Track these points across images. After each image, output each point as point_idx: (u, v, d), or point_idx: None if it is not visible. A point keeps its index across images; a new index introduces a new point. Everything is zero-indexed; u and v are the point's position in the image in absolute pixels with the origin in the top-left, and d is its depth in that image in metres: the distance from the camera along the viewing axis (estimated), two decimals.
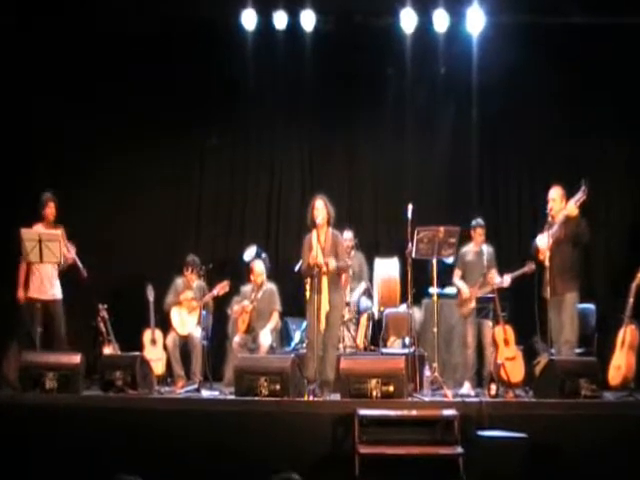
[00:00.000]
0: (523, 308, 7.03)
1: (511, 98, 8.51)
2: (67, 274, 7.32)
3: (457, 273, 7.27)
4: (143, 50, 8.48)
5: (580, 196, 6.62)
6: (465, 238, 7.30)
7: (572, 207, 6.65)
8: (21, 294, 7.12)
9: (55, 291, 7.16)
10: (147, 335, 7.75)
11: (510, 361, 6.78)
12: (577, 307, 6.76)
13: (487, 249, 7.22)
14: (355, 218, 8.79)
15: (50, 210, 7.19)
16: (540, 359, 6.79)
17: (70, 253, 7.12)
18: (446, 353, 7.62)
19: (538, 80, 8.43)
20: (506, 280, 6.97)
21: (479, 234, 7.25)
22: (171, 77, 8.68)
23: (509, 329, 6.90)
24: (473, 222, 7.26)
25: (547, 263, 6.59)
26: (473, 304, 7.05)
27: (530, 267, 6.87)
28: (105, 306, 7.91)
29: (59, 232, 7.04)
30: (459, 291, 7.18)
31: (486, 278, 7.02)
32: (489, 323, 7.02)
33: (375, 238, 8.84)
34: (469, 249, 7.27)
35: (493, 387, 6.57)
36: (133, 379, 6.34)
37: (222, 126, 8.94)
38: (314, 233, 6.63)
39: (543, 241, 6.74)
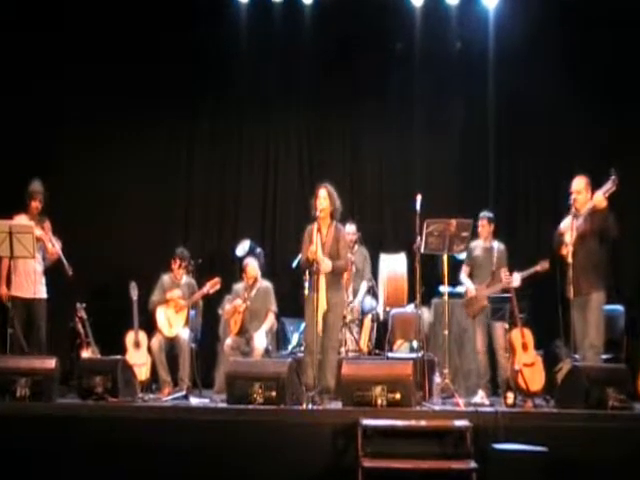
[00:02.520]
0: (544, 309, 7.02)
1: (530, 77, 8.49)
2: (47, 271, 7.32)
3: (465, 269, 7.27)
4: (125, 29, 8.49)
5: (609, 187, 6.51)
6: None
7: (600, 198, 6.54)
8: (3, 291, 7.08)
9: (38, 289, 7.12)
10: (130, 337, 7.75)
11: (529, 367, 6.75)
12: (604, 308, 6.69)
13: (498, 246, 7.19)
14: (358, 210, 8.84)
15: (35, 204, 7.16)
16: (562, 365, 6.78)
17: (55, 248, 7.13)
18: (458, 358, 7.64)
19: (561, 56, 8.46)
20: (515, 279, 6.91)
21: (483, 226, 7.21)
22: (157, 59, 8.70)
23: (527, 332, 6.86)
24: (480, 214, 7.24)
25: (570, 259, 6.53)
26: (481, 304, 7.02)
27: (543, 266, 6.84)
28: (83, 305, 7.90)
29: (32, 224, 6.99)
30: (465, 290, 7.20)
31: (494, 277, 6.99)
32: (502, 325, 6.98)
33: (380, 232, 8.94)
34: (478, 244, 7.25)
35: (510, 396, 6.52)
36: (114, 385, 6.31)
37: (212, 112, 8.99)
38: (315, 226, 6.58)
39: (566, 226, 6.63)
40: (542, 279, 6.95)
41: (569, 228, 6.61)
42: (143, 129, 8.90)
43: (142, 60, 8.66)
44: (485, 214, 7.28)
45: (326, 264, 6.49)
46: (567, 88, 8.42)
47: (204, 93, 8.92)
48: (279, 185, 9.11)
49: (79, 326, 7.78)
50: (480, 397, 6.92)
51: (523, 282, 6.94)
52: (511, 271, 7.02)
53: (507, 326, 6.95)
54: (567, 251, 6.61)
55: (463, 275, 7.25)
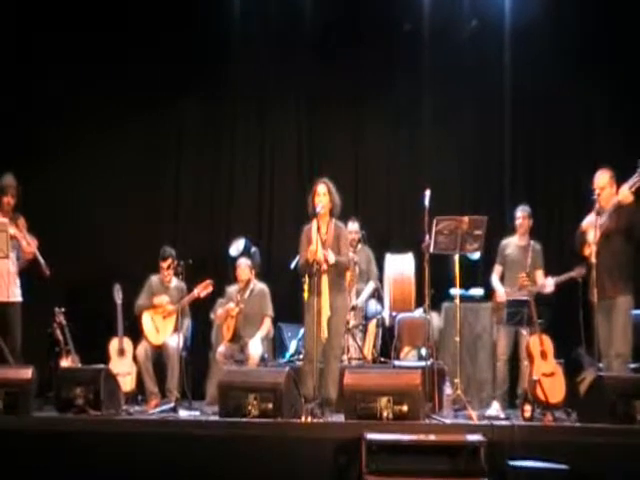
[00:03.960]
0: (564, 313, 6.99)
1: (550, 58, 8.48)
2: (22, 272, 7.28)
3: (496, 270, 7.27)
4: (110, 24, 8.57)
5: (635, 180, 6.45)
6: (493, 230, 7.29)
7: (626, 193, 6.47)
8: None
9: (12, 292, 7.08)
10: (114, 344, 7.73)
11: (548, 377, 6.73)
12: (631, 313, 6.63)
13: (534, 245, 7.20)
14: (362, 206, 8.82)
15: (7, 199, 7.10)
16: (585, 375, 6.77)
17: (31, 247, 7.10)
18: (471, 367, 7.64)
19: (583, 40, 8.45)
20: (549, 285, 6.94)
21: (523, 220, 7.20)
22: (145, 54, 8.72)
23: (547, 339, 6.85)
24: (518, 207, 7.24)
25: (594, 260, 6.45)
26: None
27: (580, 272, 6.83)
28: (62, 309, 7.85)
29: (6, 221, 6.94)
30: (494, 292, 7.19)
31: (520, 281, 6.95)
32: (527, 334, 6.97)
33: (386, 230, 8.93)
34: (511, 241, 7.26)
35: (528, 408, 6.47)
36: (96, 397, 6.27)
37: (202, 97, 8.98)
38: (314, 224, 6.58)
39: (590, 223, 6.58)
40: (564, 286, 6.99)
41: (592, 226, 6.55)
42: (129, 124, 8.90)
43: (129, 55, 8.69)
44: (524, 208, 7.29)
45: (330, 256, 6.46)
46: (588, 73, 8.42)
47: (195, 85, 8.92)
48: (276, 181, 9.13)
49: (57, 332, 7.72)
50: (495, 409, 6.90)
51: (557, 289, 6.95)
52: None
53: (525, 332, 6.95)
54: (590, 251, 6.54)
55: (494, 277, 7.25)
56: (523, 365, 6.99)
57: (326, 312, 6.44)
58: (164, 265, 7.65)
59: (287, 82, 9.02)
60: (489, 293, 7.50)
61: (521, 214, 7.28)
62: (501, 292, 7.11)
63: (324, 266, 6.44)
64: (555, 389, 6.68)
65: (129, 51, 8.69)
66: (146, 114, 8.88)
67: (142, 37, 8.67)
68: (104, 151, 8.80)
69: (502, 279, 7.23)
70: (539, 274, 7.12)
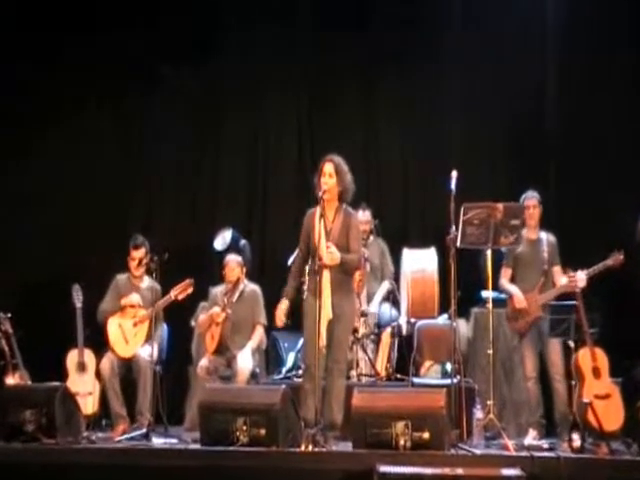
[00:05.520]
0: (622, 322, 7.06)
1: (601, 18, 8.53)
2: None
3: (505, 274, 7.25)
4: None
5: None
6: None
7: None
8: None
9: None
10: (72, 357, 7.72)
11: (602, 400, 6.71)
12: None
13: (547, 237, 7.24)
14: (374, 192, 8.88)
15: None
16: None
17: None
18: (506, 385, 7.67)
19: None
20: (580, 279, 6.88)
21: (534, 209, 7.19)
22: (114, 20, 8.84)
23: (600, 353, 6.83)
24: (526, 194, 7.25)
25: None
26: (533, 316, 7.03)
27: (616, 259, 6.86)
28: (8, 316, 7.87)
29: None
30: (510, 298, 7.20)
31: (547, 278, 7.00)
32: (559, 342, 7.00)
33: (403, 219, 9.00)
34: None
35: (576, 437, 6.47)
36: (51, 422, 6.28)
37: (192, 65, 9.06)
38: (318, 210, 6.56)
39: None
40: (618, 283, 7.00)
41: None
42: (89, 99, 9.08)
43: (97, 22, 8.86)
44: (533, 194, 7.24)
45: (332, 252, 6.40)
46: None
47: (173, 54, 9.01)
48: (272, 162, 9.24)
49: (2, 343, 7.73)
50: (532, 437, 6.91)
51: (590, 282, 6.91)
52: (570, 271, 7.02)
53: (572, 344, 6.93)
54: None
55: (504, 281, 7.22)
56: (556, 382, 6.98)
57: (326, 316, 6.41)
58: (135, 255, 7.64)
59: (288, 51, 9.11)
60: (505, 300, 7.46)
61: (530, 202, 7.19)
62: (520, 296, 7.05)
63: (326, 262, 6.40)
64: (611, 414, 6.67)
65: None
66: (113, 94, 9.07)
67: (129, 16, 8.86)
68: (61, 137, 8.95)
69: (512, 283, 7.20)
70: (557, 271, 7.07)
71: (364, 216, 7.90)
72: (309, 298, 6.49)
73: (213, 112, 9.18)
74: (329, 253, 6.37)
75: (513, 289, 7.12)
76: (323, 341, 6.36)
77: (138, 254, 7.62)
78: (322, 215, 6.51)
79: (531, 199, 7.18)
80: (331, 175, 6.53)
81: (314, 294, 6.43)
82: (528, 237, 7.18)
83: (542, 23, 8.73)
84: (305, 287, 6.54)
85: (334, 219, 6.57)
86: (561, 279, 6.99)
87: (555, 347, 6.99)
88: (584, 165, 8.63)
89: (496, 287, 7.19)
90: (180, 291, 7.43)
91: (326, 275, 6.42)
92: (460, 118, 8.93)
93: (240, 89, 9.17)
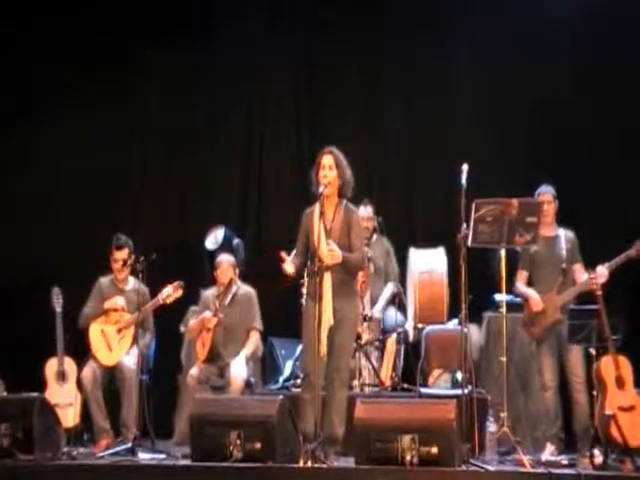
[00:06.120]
0: None
1: None
2: None
3: (520, 276, 7.25)
4: None
5: None
6: None
7: None
8: None
9: None
10: (52, 366, 7.68)
11: (627, 412, 6.65)
12: None
13: (565, 233, 7.22)
14: (378, 186, 8.92)
15: None
16: None
17: None
18: (522, 396, 7.67)
19: None
20: (600, 273, 6.86)
21: (548, 205, 7.14)
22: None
23: (624, 361, 6.79)
24: (540, 189, 7.24)
25: None
26: (551, 319, 7.00)
27: (639, 249, 6.85)
28: None
29: None
30: (526, 302, 7.19)
31: (566, 278, 7.00)
32: (580, 349, 6.98)
33: (409, 217, 9.03)
34: None
35: (598, 452, 6.46)
36: (27, 436, 6.29)
37: (170, 57, 9.08)
38: (317, 207, 6.57)
39: None
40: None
41: None
42: (73, 92, 9.07)
43: None
44: (547, 189, 7.22)
45: (333, 250, 6.39)
46: None
47: (160, 30, 9.05)
48: (267, 155, 9.27)
49: None
50: (550, 453, 6.90)
51: (611, 276, 6.87)
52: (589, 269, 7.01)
53: (593, 352, 6.92)
54: None
55: (519, 284, 7.22)
56: (577, 392, 6.97)
57: (327, 321, 6.40)
58: (118, 256, 7.62)
59: (285, 30, 9.19)
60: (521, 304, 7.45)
61: (544, 197, 7.17)
62: (536, 298, 7.03)
63: (327, 261, 6.38)
64: (636, 427, 6.62)
65: None
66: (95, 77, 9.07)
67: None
68: (38, 126, 8.97)
69: (529, 285, 7.18)
70: (578, 269, 7.04)
71: (366, 212, 7.91)
72: (308, 302, 6.49)
73: (205, 101, 9.20)
74: (330, 251, 6.35)
75: (529, 291, 7.11)
76: (324, 348, 6.34)
77: (121, 255, 7.60)
78: (322, 213, 6.50)
79: (545, 194, 7.15)
80: (331, 167, 6.54)
81: (314, 298, 6.41)
82: (544, 235, 7.15)
83: (560, 6, 8.71)
84: (304, 291, 6.54)
85: (334, 217, 6.58)
86: (582, 276, 6.98)
87: (576, 354, 6.97)
88: (601, 157, 8.65)
89: (510, 291, 7.16)
90: (169, 294, 7.40)
91: (327, 277, 6.43)
92: (471, 107, 8.92)
93: (235, 87, 9.20)
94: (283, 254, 6.39)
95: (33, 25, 8.81)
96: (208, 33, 9.06)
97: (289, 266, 6.39)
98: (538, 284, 7.13)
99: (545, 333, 7.02)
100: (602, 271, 6.86)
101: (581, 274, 7.01)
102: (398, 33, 8.96)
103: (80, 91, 9.04)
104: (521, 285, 7.17)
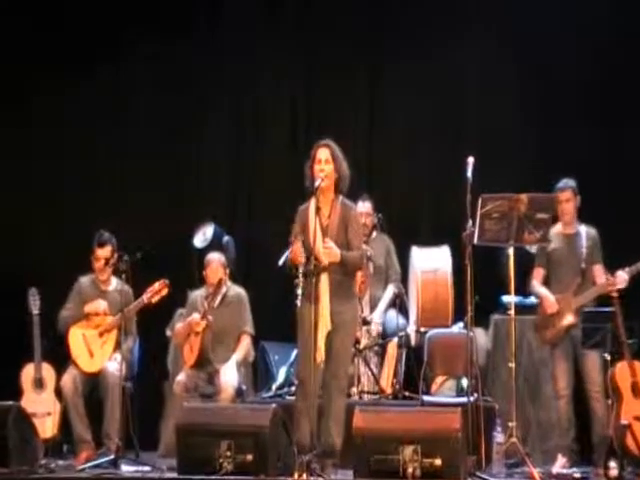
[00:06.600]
0: None
1: None
2: None
3: (536, 275, 7.26)
4: None
5: None
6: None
7: None
8: None
9: None
10: (28, 373, 7.73)
11: None
12: None
13: (587, 231, 7.21)
14: (378, 181, 8.94)
15: None
16: None
17: None
18: (531, 405, 7.66)
19: None
20: (620, 279, 6.88)
21: (567, 202, 7.13)
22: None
23: None
24: (560, 184, 7.22)
25: None
26: (566, 323, 7.00)
27: None
28: None
29: None
30: (540, 303, 7.21)
31: (585, 278, 7.00)
32: (598, 355, 6.96)
33: (411, 213, 9.03)
34: (554, 231, 7.23)
35: (614, 465, 6.42)
36: (3, 448, 6.33)
37: (155, 41, 9.15)
38: (312, 203, 6.57)
39: None
40: None
41: None
42: (55, 83, 9.13)
43: None
44: (567, 184, 7.17)
45: (330, 248, 6.39)
46: None
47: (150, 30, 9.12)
48: (260, 148, 9.28)
49: None
50: (561, 465, 6.89)
51: (632, 281, 6.90)
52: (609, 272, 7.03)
53: (608, 357, 6.90)
54: None
55: (535, 283, 7.22)
56: (594, 401, 6.97)
57: (325, 325, 6.39)
58: (100, 254, 7.58)
59: (280, 16, 9.24)
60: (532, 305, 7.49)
61: (563, 196, 7.13)
62: (551, 299, 7.03)
63: (324, 259, 6.38)
64: None
65: None
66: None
67: None
68: (20, 115, 9.07)
69: (546, 285, 7.18)
70: (597, 269, 7.03)
71: (364, 207, 7.94)
72: (304, 304, 6.39)
73: (196, 99, 9.21)
74: (327, 249, 6.34)
75: (543, 291, 7.11)
76: (321, 354, 6.33)
77: (103, 253, 7.56)
78: (318, 209, 6.49)
79: (564, 191, 7.10)
80: (328, 161, 6.55)
81: (310, 300, 6.37)
82: (563, 232, 7.17)
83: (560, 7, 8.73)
84: (299, 292, 6.44)
85: (330, 213, 6.58)
86: (601, 278, 6.97)
87: (593, 360, 6.96)
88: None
89: (520, 290, 7.15)
90: (153, 293, 7.42)
91: (324, 278, 6.43)
92: (478, 95, 8.95)
93: (227, 74, 9.25)
94: (297, 245, 6.36)
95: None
96: (208, 33, 9.15)
97: (301, 256, 6.35)
98: (554, 284, 7.15)
99: (559, 337, 7.02)
100: (622, 276, 6.85)
101: (600, 276, 6.98)
102: (398, 33, 8.96)
103: (61, 84, 9.06)
104: (537, 284, 7.18)
